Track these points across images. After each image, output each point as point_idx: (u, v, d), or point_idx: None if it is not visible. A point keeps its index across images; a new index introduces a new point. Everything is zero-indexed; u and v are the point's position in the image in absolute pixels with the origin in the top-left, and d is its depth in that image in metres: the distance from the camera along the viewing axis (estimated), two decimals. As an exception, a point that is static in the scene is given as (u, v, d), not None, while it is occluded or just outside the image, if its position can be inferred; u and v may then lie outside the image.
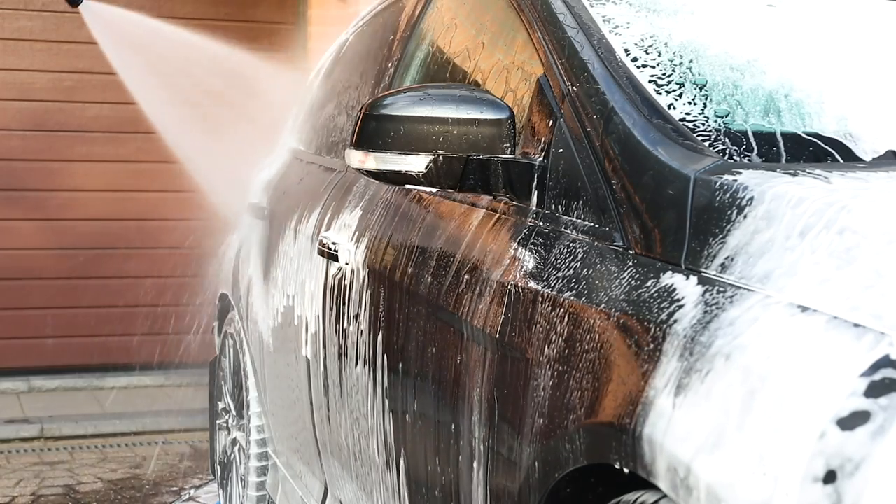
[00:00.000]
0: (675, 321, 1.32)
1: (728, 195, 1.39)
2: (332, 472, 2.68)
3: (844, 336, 1.10)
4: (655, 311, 1.36)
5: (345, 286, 2.49)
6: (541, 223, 1.76)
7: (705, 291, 1.32)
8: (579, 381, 1.45)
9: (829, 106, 1.81)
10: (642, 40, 1.91)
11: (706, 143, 1.64)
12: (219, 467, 4.03)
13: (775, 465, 1.08)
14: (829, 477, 1.02)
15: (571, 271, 1.59)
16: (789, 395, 1.10)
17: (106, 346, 6.53)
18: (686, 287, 1.35)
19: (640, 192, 1.56)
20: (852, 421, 1.02)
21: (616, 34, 1.91)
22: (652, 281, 1.42)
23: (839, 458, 1.02)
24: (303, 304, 2.83)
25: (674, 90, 1.78)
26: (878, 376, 1.03)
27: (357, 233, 2.49)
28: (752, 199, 1.36)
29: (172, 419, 5.64)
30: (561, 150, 1.77)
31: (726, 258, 1.34)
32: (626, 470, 1.31)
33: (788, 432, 1.08)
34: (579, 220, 1.67)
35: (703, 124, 1.70)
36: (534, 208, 1.80)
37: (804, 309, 1.17)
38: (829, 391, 1.07)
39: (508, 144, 1.87)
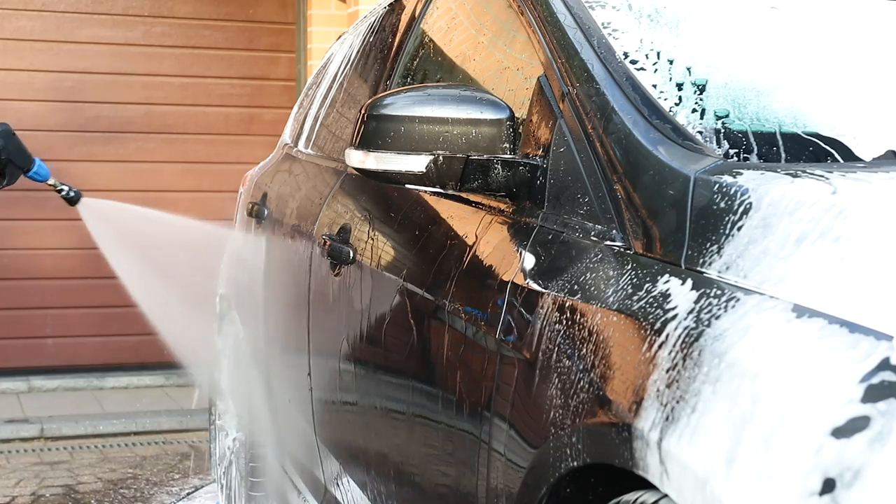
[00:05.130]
0: (674, 322, 1.32)
1: (728, 196, 1.39)
2: (332, 472, 2.68)
3: (843, 340, 1.09)
4: (655, 311, 1.36)
5: (347, 286, 2.49)
6: (541, 223, 1.76)
7: (704, 293, 1.32)
8: (579, 381, 1.45)
9: (829, 106, 1.81)
10: (642, 42, 1.91)
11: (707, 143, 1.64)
12: (219, 467, 4.03)
13: (778, 470, 1.07)
14: (828, 486, 1.01)
15: (571, 271, 1.59)
16: (788, 401, 1.10)
17: (106, 346, 6.54)
18: (685, 288, 1.35)
19: (640, 192, 1.56)
20: (851, 427, 1.02)
21: (615, 38, 1.91)
22: (652, 281, 1.42)
23: (838, 466, 1.00)
24: (304, 303, 2.83)
25: (675, 90, 1.78)
26: (876, 380, 1.03)
27: (358, 233, 2.49)
28: (751, 201, 1.36)
29: (172, 419, 5.64)
30: (561, 150, 1.77)
31: (727, 258, 1.34)
32: (638, 472, 1.30)
33: (788, 440, 1.08)
34: (579, 220, 1.67)
35: (703, 124, 1.70)
36: (534, 208, 1.80)
37: (801, 313, 1.16)
38: (827, 396, 1.06)
39: (508, 144, 1.87)
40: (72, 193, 4.29)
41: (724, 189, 1.41)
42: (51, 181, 4.21)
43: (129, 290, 4.15)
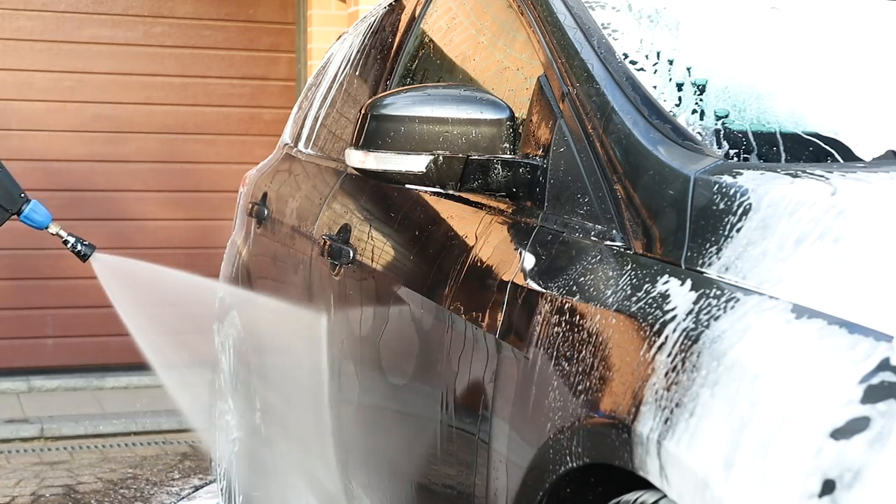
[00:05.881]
0: (674, 321, 1.32)
1: (728, 196, 1.39)
2: (331, 471, 2.68)
3: (842, 341, 1.09)
4: (655, 311, 1.36)
5: (346, 286, 2.49)
6: (541, 223, 1.76)
7: (703, 293, 1.32)
8: (579, 382, 1.45)
9: (829, 106, 1.81)
10: (642, 42, 1.91)
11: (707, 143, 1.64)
12: (219, 467, 4.03)
13: (778, 472, 1.07)
14: (828, 487, 1.00)
15: (571, 271, 1.59)
16: (787, 402, 1.10)
17: (106, 346, 6.53)
18: (684, 288, 1.35)
19: (640, 193, 1.56)
20: (850, 428, 1.01)
21: (615, 38, 1.91)
22: (651, 281, 1.42)
23: (838, 467, 1.00)
24: (304, 303, 2.83)
25: (675, 90, 1.78)
26: (876, 380, 1.03)
27: (358, 233, 2.49)
28: (751, 201, 1.36)
29: (172, 419, 5.64)
30: (561, 150, 1.77)
31: (727, 259, 1.34)
32: (638, 473, 1.30)
33: (788, 441, 1.08)
34: (579, 220, 1.67)
35: (703, 125, 1.70)
36: (534, 208, 1.80)
37: (801, 314, 1.16)
38: (827, 397, 1.06)
39: (508, 144, 1.87)
40: (80, 247, 3.75)
41: (724, 189, 1.41)
42: (52, 229, 3.67)
43: (144, 351, 3.98)
